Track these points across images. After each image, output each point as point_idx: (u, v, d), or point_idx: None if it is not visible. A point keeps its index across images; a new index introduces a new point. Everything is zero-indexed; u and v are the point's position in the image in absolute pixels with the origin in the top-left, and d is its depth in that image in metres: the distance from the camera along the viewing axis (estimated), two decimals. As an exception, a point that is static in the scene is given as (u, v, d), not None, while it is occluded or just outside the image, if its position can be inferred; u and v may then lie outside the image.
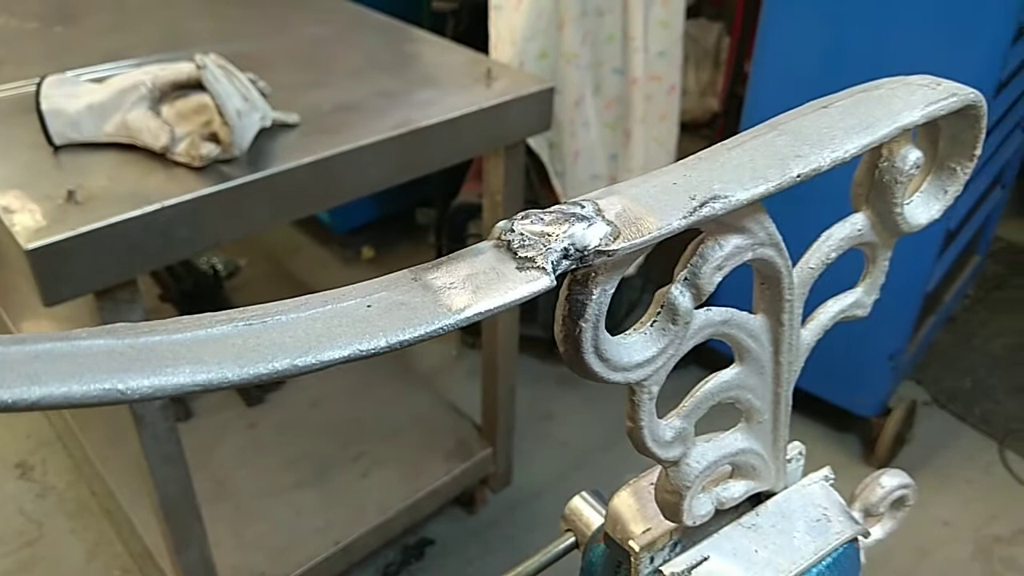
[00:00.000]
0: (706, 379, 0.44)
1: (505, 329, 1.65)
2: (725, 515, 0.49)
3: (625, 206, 0.35)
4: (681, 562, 0.47)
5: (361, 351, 0.28)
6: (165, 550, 1.33)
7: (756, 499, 0.51)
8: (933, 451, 2.02)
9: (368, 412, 1.87)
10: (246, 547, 1.55)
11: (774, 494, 0.51)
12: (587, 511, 0.60)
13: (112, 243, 1.00)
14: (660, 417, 0.43)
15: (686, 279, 0.39)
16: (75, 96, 1.15)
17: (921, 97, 0.43)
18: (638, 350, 0.38)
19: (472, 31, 2.03)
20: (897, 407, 1.94)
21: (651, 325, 0.39)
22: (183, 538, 1.28)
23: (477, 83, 1.39)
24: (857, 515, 0.53)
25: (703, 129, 3.17)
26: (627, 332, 0.39)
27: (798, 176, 0.38)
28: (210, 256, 2.13)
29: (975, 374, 2.26)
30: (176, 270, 2.05)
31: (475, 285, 0.31)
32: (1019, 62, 1.70)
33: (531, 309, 2.15)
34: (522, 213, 0.35)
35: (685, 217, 0.35)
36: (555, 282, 0.32)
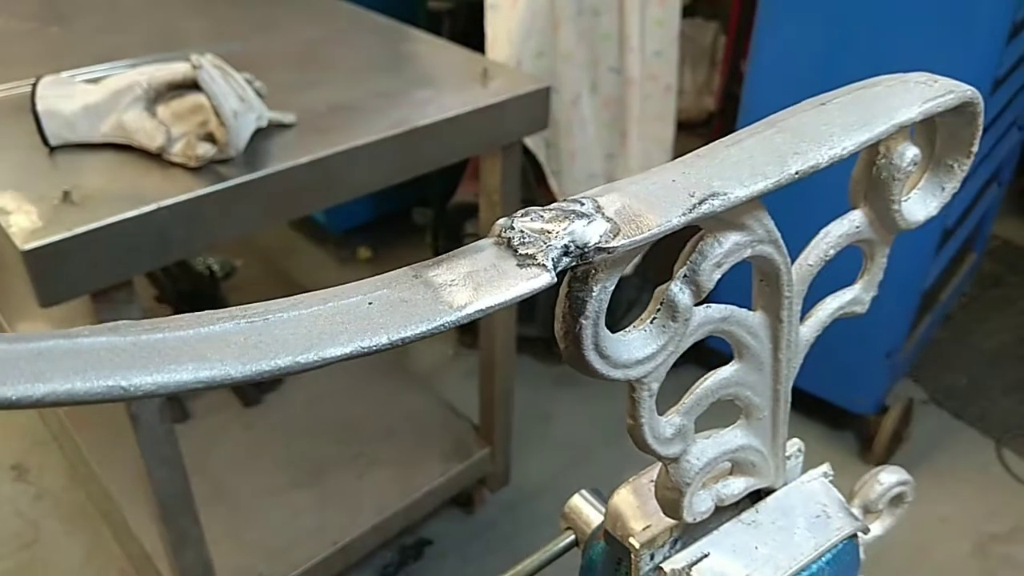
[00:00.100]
0: (706, 376, 0.44)
1: (503, 329, 1.65)
2: (725, 512, 0.49)
3: (624, 203, 0.35)
4: (681, 559, 0.47)
5: (363, 348, 0.28)
6: (162, 551, 1.32)
7: (756, 496, 0.51)
8: (930, 449, 2.02)
9: (365, 413, 1.87)
10: (244, 548, 1.55)
11: (774, 491, 0.51)
12: (587, 509, 0.60)
13: (108, 244, 1.00)
14: (660, 414, 0.43)
15: (685, 276, 0.39)
16: (70, 97, 1.15)
17: (918, 94, 0.43)
18: (638, 347, 0.38)
19: (468, 31, 2.03)
20: (894, 405, 1.95)
21: (651, 322, 0.39)
22: (180, 539, 1.28)
23: (473, 82, 1.39)
24: (856, 512, 0.53)
25: (699, 128, 3.17)
26: (627, 329, 0.39)
27: (796, 173, 0.38)
28: (206, 257, 2.12)
29: (972, 372, 2.27)
30: (172, 271, 2.04)
31: (476, 282, 0.31)
32: (1015, 60, 1.71)
33: (529, 309, 2.15)
34: (522, 210, 0.35)
35: (685, 214, 0.35)
36: (556, 279, 0.32)
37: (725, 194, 0.36)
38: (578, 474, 1.94)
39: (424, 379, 2.15)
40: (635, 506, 0.50)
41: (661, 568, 0.47)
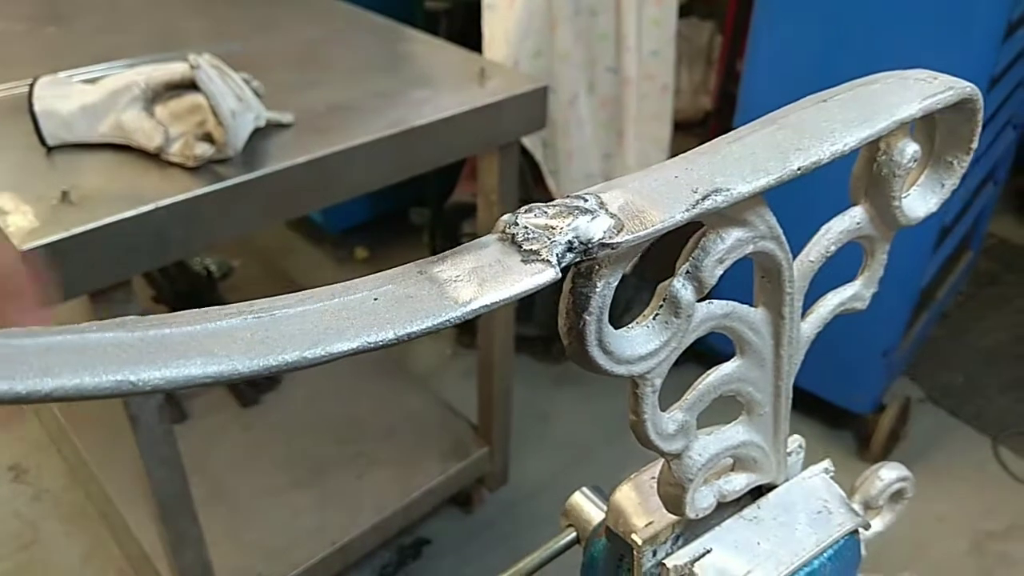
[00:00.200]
0: (708, 372, 0.44)
1: (501, 328, 1.65)
2: (727, 508, 0.49)
3: (628, 199, 0.35)
4: (684, 555, 0.47)
5: (369, 343, 0.28)
6: (161, 552, 1.32)
7: (757, 492, 0.51)
8: (927, 447, 2.03)
9: (364, 412, 1.87)
10: (243, 548, 1.55)
11: (775, 487, 0.52)
12: (588, 506, 0.60)
13: (107, 244, 1.00)
14: (662, 411, 0.43)
15: (688, 272, 0.39)
16: (68, 97, 1.14)
17: (918, 91, 0.43)
18: (641, 343, 0.39)
19: (465, 31, 2.03)
20: (891, 404, 1.95)
21: (653, 318, 0.39)
22: (180, 540, 1.28)
23: (471, 82, 1.39)
24: (857, 508, 0.54)
25: (696, 128, 3.17)
26: (630, 325, 0.39)
27: (798, 169, 0.38)
28: (203, 257, 2.12)
29: (968, 370, 2.27)
30: (169, 271, 2.04)
31: (481, 278, 0.31)
32: (1010, 59, 1.71)
33: (527, 308, 2.15)
34: (525, 207, 0.35)
35: (688, 210, 0.35)
36: (560, 275, 0.32)
37: (728, 190, 0.36)
38: (577, 473, 1.94)
39: (422, 379, 2.15)
40: (637, 503, 0.50)
41: (664, 564, 0.47)
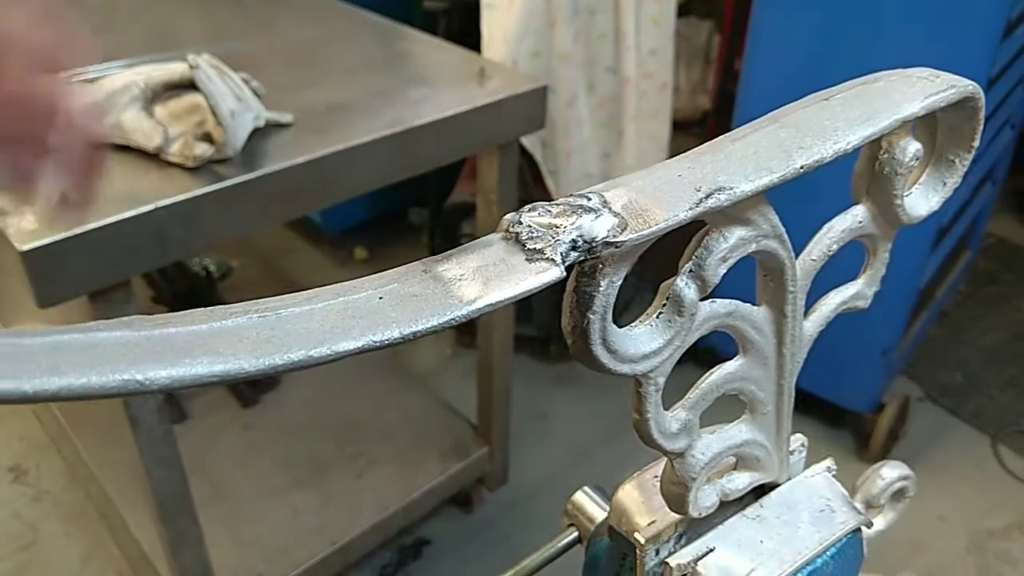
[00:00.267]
0: (711, 371, 0.44)
1: (501, 328, 1.65)
2: (729, 507, 0.49)
3: (631, 198, 0.35)
4: (687, 554, 0.48)
5: (375, 342, 0.28)
6: (162, 552, 1.32)
7: (759, 491, 0.51)
8: (926, 446, 2.03)
9: (363, 412, 1.87)
10: (243, 548, 1.55)
11: (777, 485, 0.52)
12: (590, 505, 0.60)
13: (106, 244, 0.99)
14: (664, 410, 0.43)
15: (691, 271, 0.39)
16: (68, 97, 1.14)
17: (920, 89, 0.43)
18: (645, 341, 0.39)
19: (464, 31, 2.03)
20: (890, 403, 1.95)
21: (657, 317, 0.39)
22: (180, 540, 1.28)
23: (470, 82, 1.39)
24: (859, 506, 0.54)
25: (694, 127, 3.18)
26: (633, 324, 0.39)
27: (801, 168, 0.38)
28: (202, 257, 2.12)
29: (967, 369, 2.28)
30: (168, 272, 2.04)
31: (485, 277, 0.31)
32: (1008, 58, 1.71)
33: (526, 308, 2.15)
34: (529, 205, 0.35)
35: (691, 208, 0.35)
36: (565, 273, 0.32)
37: (731, 189, 0.36)
38: (576, 473, 1.94)
39: (422, 379, 2.15)
40: (640, 502, 0.50)
41: (667, 563, 0.47)
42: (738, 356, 0.45)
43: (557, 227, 0.33)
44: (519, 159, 1.55)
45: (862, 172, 0.46)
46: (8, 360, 0.23)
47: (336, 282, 0.31)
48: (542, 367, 2.25)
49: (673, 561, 0.47)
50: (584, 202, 0.34)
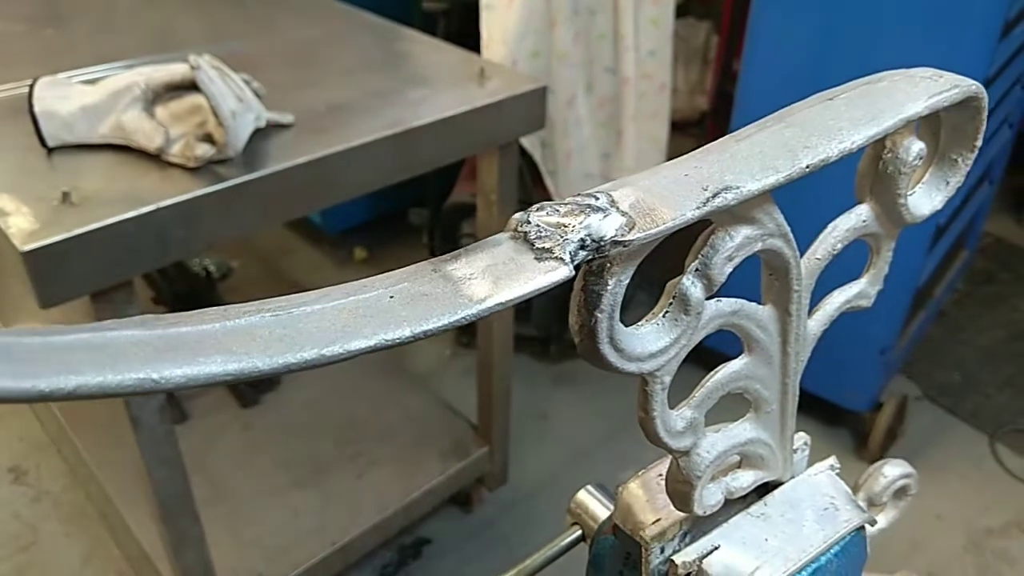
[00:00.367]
0: (716, 369, 0.45)
1: (500, 328, 1.66)
2: (734, 505, 0.50)
3: (639, 197, 0.35)
4: (692, 551, 0.48)
5: (387, 341, 0.28)
6: (162, 552, 1.32)
7: (763, 489, 0.51)
8: (924, 445, 2.04)
9: (363, 412, 1.87)
10: (244, 548, 1.55)
11: (781, 484, 0.52)
12: (593, 504, 0.60)
13: (108, 244, 1.00)
14: (670, 408, 0.43)
15: (697, 270, 0.39)
16: (68, 98, 1.14)
17: (924, 89, 0.43)
18: (651, 340, 0.39)
19: (463, 31, 2.03)
20: (888, 402, 1.96)
21: (663, 316, 0.40)
22: (181, 540, 1.28)
23: (470, 82, 1.40)
24: (862, 504, 0.54)
25: (692, 128, 3.18)
26: (640, 323, 0.39)
27: (807, 167, 0.38)
28: (202, 258, 2.12)
29: (965, 368, 2.28)
30: (169, 272, 2.04)
31: (495, 276, 0.31)
32: (1006, 58, 1.72)
33: (525, 308, 2.15)
34: (536, 205, 0.35)
35: (698, 208, 0.35)
36: (574, 272, 0.32)
37: (738, 188, 0.36)
38: (576, 472, 1.94)
39: (422, 379, 2.15)
40: (644, 500, 0.50)
41: (672, 561, 0.47)
42: (743, 355, 0.46)
43: (565, 226, 0.33)
44: (519, 159, 1.55)
45: (866, 171, 0.47)
46: (23, 359, 0.23)
47: (336, 282, 0.31)
48: (542, 367, 2.25)
49: (678, 559, 0.48)
50: (592, 201, 0.35)
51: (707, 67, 3.18)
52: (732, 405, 0.49)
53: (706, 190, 0.36)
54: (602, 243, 0.33)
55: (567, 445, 2.03)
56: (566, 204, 0.35)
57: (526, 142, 1.92)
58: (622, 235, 0.33)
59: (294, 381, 1.91)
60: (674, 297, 0.39)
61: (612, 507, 0.57)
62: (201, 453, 1.71)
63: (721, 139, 0.40)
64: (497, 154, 1.43)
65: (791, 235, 0.42)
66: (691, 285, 0.39)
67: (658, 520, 0.49)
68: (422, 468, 1.73)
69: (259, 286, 2.26)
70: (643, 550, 0.48)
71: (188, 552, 1.30)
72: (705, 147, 0.40)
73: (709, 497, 0.47)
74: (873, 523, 0.52)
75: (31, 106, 1.12)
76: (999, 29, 1.53)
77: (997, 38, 1.54)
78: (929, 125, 0.47)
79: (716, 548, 0.48)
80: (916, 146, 0.45)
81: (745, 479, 0.49)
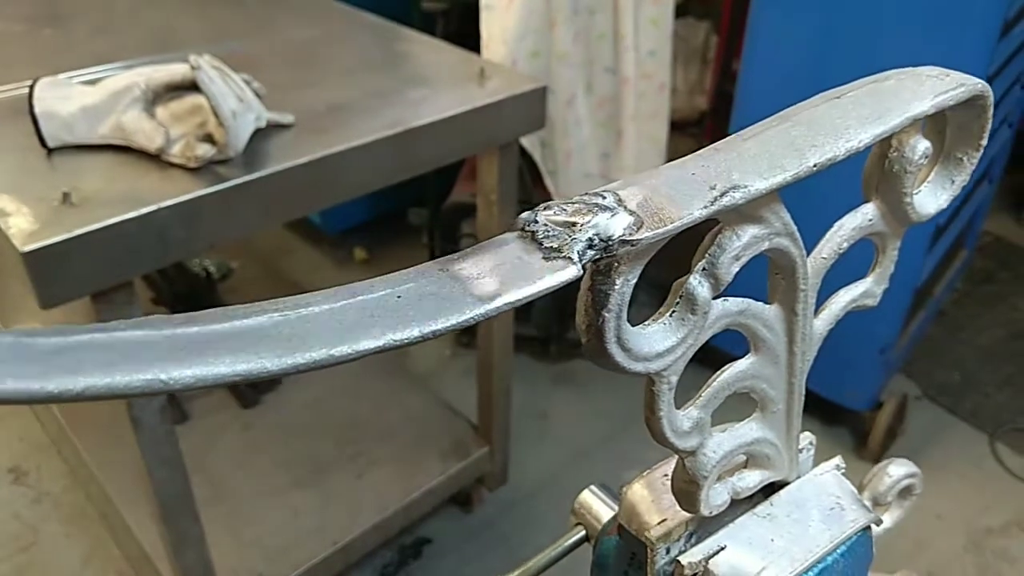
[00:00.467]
0: (722, 369, 0.44)
1: (500, 328, 1.66)
2: (740, 505, 0.49)
3: (646, 196, 0.35)
4: (698, 552, 0.48)
5: (395, 341, 0.28)
6: (163, 552, 1.32)
7: (769, 489, 0.51)
8: (925, 444, 2.04)
9: (364, 412, 1.87)
10: (244, 548, 1.55)
11: (787, 484, 0.52)
12: (597, 504, 0.60)
13: (108, 245, 0.99)
14: (676, 408, 0.43)
15: (704, 269, 0.39)
16: (68, 98, 1.14)
17: (930, 88, 0.43)
18: (659, 340, 0.39)
19: (462, 31, 2.03)
20: (888, 401, 1.96)
21: (670, 315, 0.39)
22: (181, 540, 1.28)
23: (470, 82, 1.39)
24: (868, 504, 0.54)
25: (691, 128, 3.18)
26: (647, 322, 0.39)
27: (815, 166, 0.38)
28: (202, 258, 2.12)
29: (965, 367, 2.28)
30: (169, 272, 2.04)
31: (503, 275, 0.31)
32: (1006, 57, 1.72)
33: (525, 308, 2.15)
34: (543, 204, 0.35)
35: (706, 207, 0.35)
36: (582, 272, 0.32)
37: (745, 187, 0.36)
38: (576, 472, 1.94)
39: (422, 379, 2.15)
40: (650, 500, 0.50)
41: (678, 561, 0.47)
42: (749, 354, 0.45)
43: (573, 226, 0.33)
44: (519, 159, 1.55)
45: (872, 170, 0.46)
46: (30, 360, 0.23)
47: (336, 283, 0.31)
48: (542, 367, 2.25)
49: (684, 559, 0.47)
50: (599, 200, 0.34)
51: (707, 67, 3.18)
52: (738, 405, 0.49)
53: (714, 189, 0.36)
54: (610, 242, 0.33)
55: (567, 445, 2.03)
56: (573, 203, 0.34)
57: (526, 142, 1.92)
58: (630, 234, 0.33)
59: (294, 381, 1.91)
60: (681, 296, 0.39)
61: (616, 507, 0.57)
62: (201, 453, 1.71)
63: (727, 138, 0.40)
64: (497, 154, 1.43)
65: (798, 234, 0.42)
66: (698, 284, 0.39)
67: (664, 520, 0.48)
68: (422, 468, 1.73)
69: (259, 286, 2.26)
70: (648, 551, 0.48)
71: (188, 552, 1.29)
72: (712, 146, 0.39)
73: (715, 497, 0.47)
74: (879, 523, 0.52)
75: (31, 106, 1.11)
76: (999, 28, 1.53)
77: (997, 38, 1.55)
78: (935, 124, 0.47)
79: (722, 548, 0.48)
80: (922, 145, 0.45)
81: (751, 479, 0.49)
